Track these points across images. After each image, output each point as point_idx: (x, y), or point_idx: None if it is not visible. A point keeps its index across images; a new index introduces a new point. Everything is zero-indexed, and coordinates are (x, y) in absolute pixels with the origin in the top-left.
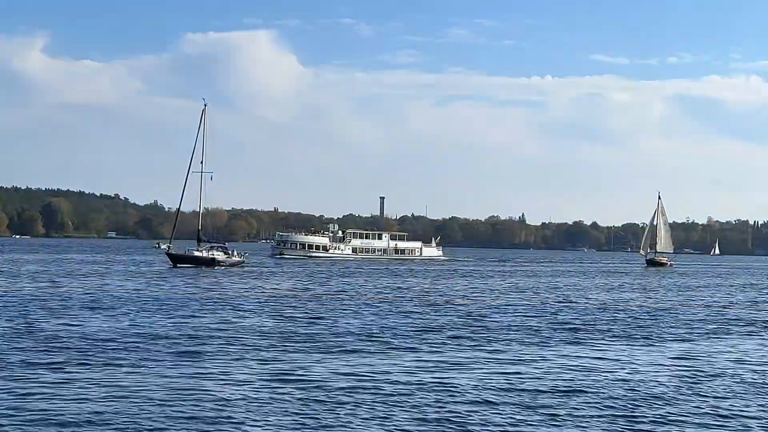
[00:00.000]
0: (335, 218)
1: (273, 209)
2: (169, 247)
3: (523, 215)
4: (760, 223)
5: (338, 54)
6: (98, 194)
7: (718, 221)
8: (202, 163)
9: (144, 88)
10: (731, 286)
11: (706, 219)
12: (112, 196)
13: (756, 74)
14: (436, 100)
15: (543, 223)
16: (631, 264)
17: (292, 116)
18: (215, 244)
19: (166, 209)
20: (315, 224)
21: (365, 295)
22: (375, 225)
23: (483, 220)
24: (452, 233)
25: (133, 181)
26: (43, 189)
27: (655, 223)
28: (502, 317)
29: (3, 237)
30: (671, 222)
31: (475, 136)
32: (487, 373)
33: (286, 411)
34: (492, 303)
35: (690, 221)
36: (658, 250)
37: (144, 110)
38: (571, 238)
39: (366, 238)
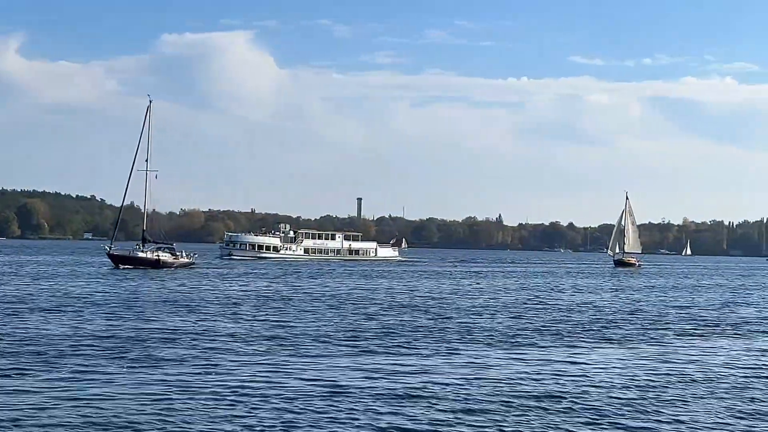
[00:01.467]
0: (312, 219)
1: (250, 210)
2: (110, 247)
3: (500, 216)
4: (735, 223)
5: (316, 55)
6: (74, 195)
7: (693, 222)
8: (146, 161)
9: (121, 89)
10: (696, 286)
11: (681, 220)
12: (89, 197)
13: (731, 76)
14: (415, 102)
15: (520, 224)
16: (599, 265)
17: (270, 117)
18: (162, 245)
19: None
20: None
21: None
22: (352, 226)
23: (460, 221)
24: (429, 234)
25: (110, 183)
26: (19, 190)
27: (623, 224)
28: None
29: None
30: (647, 222)
31: (453, 138)
32: (444, 377)
33: (234, 417)
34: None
35: (666, 222)
36: (626, 251)
37: (121, 111)
38: (548, 238)
39: (319, 238)
